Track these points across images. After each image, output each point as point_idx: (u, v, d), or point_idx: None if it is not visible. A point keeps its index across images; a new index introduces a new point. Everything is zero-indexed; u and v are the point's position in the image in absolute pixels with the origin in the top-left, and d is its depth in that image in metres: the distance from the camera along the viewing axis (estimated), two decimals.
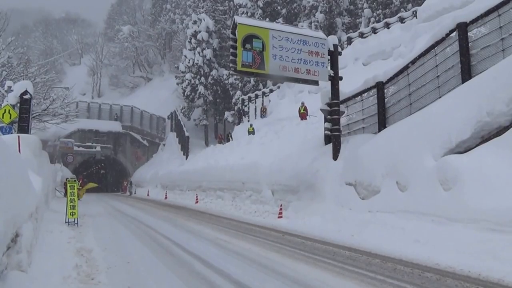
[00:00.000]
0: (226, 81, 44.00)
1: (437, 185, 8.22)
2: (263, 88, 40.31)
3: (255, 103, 37.93)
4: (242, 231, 11.31)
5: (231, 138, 32.03)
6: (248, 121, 36.80)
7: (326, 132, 13.85)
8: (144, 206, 22.25)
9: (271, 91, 36.90)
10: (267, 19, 38.34)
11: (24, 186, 5.95)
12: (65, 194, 30.67)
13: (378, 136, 11.60)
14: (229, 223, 13.44)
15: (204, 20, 46.02)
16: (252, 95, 38.86)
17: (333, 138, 13.25)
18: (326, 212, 11.47)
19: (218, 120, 48.16)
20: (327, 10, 38.23)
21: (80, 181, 24.01)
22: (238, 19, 12.40)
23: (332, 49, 13.46)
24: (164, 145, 49.81)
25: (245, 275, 6.21)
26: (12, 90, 16.27)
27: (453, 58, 10.07)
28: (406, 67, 11.81)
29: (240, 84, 42.08)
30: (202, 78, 45.43)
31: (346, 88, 14.27)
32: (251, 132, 30.13)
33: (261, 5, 40.96)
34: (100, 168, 50.35)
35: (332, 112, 13.42)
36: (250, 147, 23.06)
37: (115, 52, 77.37)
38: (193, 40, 46.00)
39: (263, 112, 34.97)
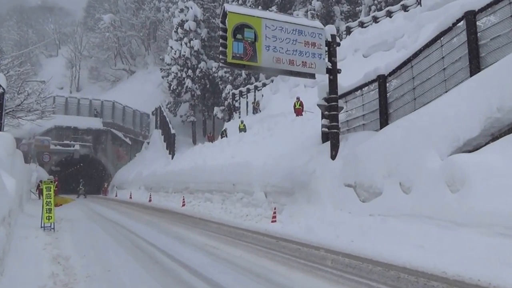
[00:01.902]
0: (216, 74, 43.91)
1: (443, 186, 8.21)
2: (255, 81, 40.26)
3: (247, 98, 37.90)
4: (233, 236, 11.25)
5: (226, 135, 31.94)
6: (239, 117, 36.75)
7: (324, 129, 13.81)
8: (127, 210, 22.12)
9: (264, 85, 36.88)
10: (260, 7, 38.30)
11: None
12: (40, 197, 30.60)
13: (379, 133, 11.58)
14: (219, 227, 13.38)
15: (191, 8, 45.86)
16: (244, 89, 38.82)
17: (331, 136, 13.22)
18: (323, 215, 11.44)
19: (207, 116, 48.09)
20: None
21: (56, 183, 23.78)
22: (229, 7, 12.34)
23: (329, 39, 13.42)
24: (148, 143, 49.65)
25: (236, 285, 6.15)
26: None
27: (461, 49, 10.06)
28: (409, 59, 11.80)
29: (230, 78, 42.01)
30: (190, 71, 45.30)
31: (345, 81, 14.25)
32: (242, 129, 30.06)
33: None
34: (79, 168, 50.06)
35: (330, 107, 13.39)
36: (241, 145, 23.01)
37: (95, 43, 76.98)
38: (179, 30, 45.83)
39: (256, 108, 34.95)
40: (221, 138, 32.22)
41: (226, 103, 41.66)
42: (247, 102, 37.54)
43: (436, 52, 10.88)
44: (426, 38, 11.29)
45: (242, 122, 31.24)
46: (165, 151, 42.41)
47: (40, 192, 30.79)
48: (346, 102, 14.32)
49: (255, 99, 36.17)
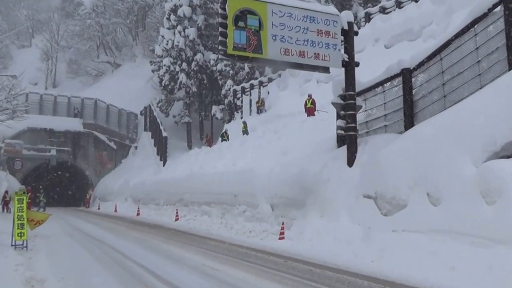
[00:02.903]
0: (214, 68, 44.01)
1: (478, 197, 8.22)
2: (260, 76, 40.32)
3: (250, 95, 37.96)
4: (234, 256, 11.28)
5: (227, 138, 32.03)
6: (242, 117, 36.82)
7: (339, 131, 13.85)
8: (112, 225, 22.18)
9: (270, 80, 36.93)
10: None
11: None
12: (4, 209, 30.36)
13: (404, 136, 11.61)
14: (218, 246, 13.40)
15: None
16: (247, 85, 38.89)
17: (348, 139, 13.26)
18: (339, 231, 11.47)
19: (204, 116, 48.16)
20: None
21: (29, 194, 23.83)
22: None
23: (346, 27, 13.47)
24: (136, 147, 49.71)
25: None
26: None
27: (498, 38, 10.08)
28: (438, 50, 11.81)
29: (231, 72, 42.11)
30: (184, 64, 45.43)
31: (364, 76, 14.26)
32: (244, 131, 30.10)
33: None
34: (56, 176, 50.19)
35: (347, 106, 13.42)
36: (243, 150, 23.05)
37: (74, 32, 77.23)
38: (172, 17, 46.01)
39: (260, 107, 35.00)
40: (221, 141, 32.27)
41: (226, 101, 41.73)
42: (250, 100, 37.60)
43: (469, 42, 10.90)
44: (458, 26, 11.32)
45: (244, 123, 31.29)
46: (155, 156, 42.41)
47: (5, 204, 30.87)
48: (365, 100, 14.36)
49: (259, 97, 36.24)
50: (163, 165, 37.49)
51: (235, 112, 39.72)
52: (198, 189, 22.28)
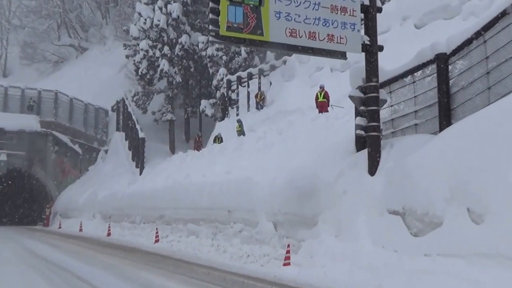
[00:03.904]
0: (203, 53, 44.02)
1: None
2: (261, 63, 40.35)
3: (248, 87, 37.99)
4: (228, 286, 11.26)
5: (220, 140, 32.03)
6: (237, 114, 36.86)
7: (358, 131, 13.85)
8: (76, 248, 22.16)
9: (273, 68, 36.99)
10: None
11: None
12: None
13: (439, 137, 11.61)
14: (208, 274, 13.38)
15: None
16: (244, 74, 38.92)
17: (370, 141, 13.26)
18: (358, 255, 11.46)
19: (191, 113, 48.20)
20: None
21: None
22: None
23: (367, 2, 13.49)
24: (106, 151, 49.71)
25: None
26: None
27: None
28: (482, 31, 11.82)
29: (224, 58, 42.12)
30: (166, 48, 45.46)
31: (389, 63, 14.27)
32: (239, 132, 30.14)
33: None
34: (6, 187, 50.08)
35: (368, 100, 13.43)
36: (240, 155, 23.07)
37: (29, 8, 77.29)
38: None
39: (260, 101, 35.03)
40: (214, 143, 32.28)
41: (218, 94, 41.74)
42: (248, 93, 37.63)
43: None
44: (505, 1, 11.32)
45: (238, 122, 31.30)
46: (130, 163, 42.40)
47: None
48: (390, 92, 14.37)
49: (259, 88, 36.25)
50: (140, 174, 37.48)
51: (229, 108, 39.75)
52: (183, 204, 22.28)
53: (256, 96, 35.75)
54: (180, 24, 45.91)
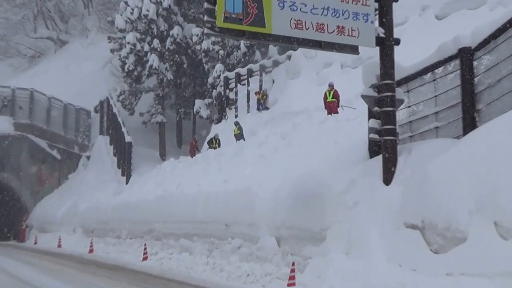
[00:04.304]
0: (197, 47, 44.09)
1: None
2: (262, 59, 40.41)
3: (248, 85, 38.01)
4: None
5: (217, 144, 32.06)
6: (236, 116, 36.89)
7: (372, 135, 13.90)
8: (54, 266, 22.15)
9: (276, 64, 37.04)
10: None
11: None
12: None
13: (462, 142, 11.63)
14: None
15: None
16: (243, 71, 38.95)
17: (385, 147, 13.30)
18: (372, 275, 11.50)
19: (184, 114, 48.24)
20: None
21: None
22: None
23: None
24: (88, 158, 49.70)
25: None
26: None
27: None
28: (511, 23, 11.88)
29: (221, 53, 42.19)
30: (156, 42, 45.51)
31: (406, 59, 14.33)
32: (238, 135, 30.13)
33: None
34: None
35: (383, 101, 13.48)
36: (239, 162, 23.07)
37: None
38: None
39: (262, 101, 35.06)
40: (208, 149, 32.29)
41: (214, 93, 41.77)
42: (248, 92, 37.66)
43: None
44: None
45: (236, 124, 31.29)
46: (115, 171, 42.37)
47: None
48: (408, 92, 14.42)
49: (261, 87, 36.28)
50: (126, 183, 37.47)
51: (227, 109, 39.78)
52: (175, 216, 22.31)
53: (257, 94, 35.72)
54: (172, 15, 46.01)
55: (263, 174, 19.30)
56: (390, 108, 13.45)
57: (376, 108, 13.67)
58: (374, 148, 14.25)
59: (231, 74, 39.90)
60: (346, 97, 24.40)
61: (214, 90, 41.82)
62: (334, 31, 12.88)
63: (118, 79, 51.31)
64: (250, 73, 38.18)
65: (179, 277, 17.24)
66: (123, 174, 40.14)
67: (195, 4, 45.81)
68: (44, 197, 47.51)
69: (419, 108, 14.28)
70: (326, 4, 12.84)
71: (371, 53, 14.33)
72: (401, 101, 13.89)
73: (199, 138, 43.15)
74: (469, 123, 12.45)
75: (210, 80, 42.38)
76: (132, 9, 45.92)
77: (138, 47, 45.78)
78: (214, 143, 32.78)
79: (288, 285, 13.50)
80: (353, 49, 13.45)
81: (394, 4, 13.75)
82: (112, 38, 49.96)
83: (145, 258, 22.35)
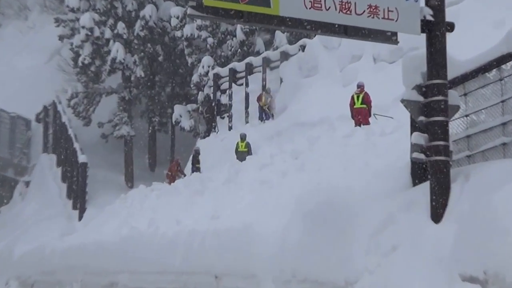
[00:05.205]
0: (178, 34, 44.20)
1: None
2: (266, 50, 40.50)
3: (247, 85, 38.07)
4: None
5: (196, 162, 32.12)
6: (230, 126, 36.89)
7: (416, 154, 13.84)
8: None
9: (285, 57, 37.05)
10: None
11: None
12: None
13: None
14: None
15: None
16: (240, 65, 39.04)
17: (433, 170, 13.24)
18: None
19: (158, 125, 48.28)
20: None
21: None
22: None
23: None
24: (27, 184, 49.68)
25: None
26: None
27: None
28: None
29: (211, 41, 42.28)
30: (120, 25, 45.63)
31: (462, 51, 14.33)
32: (243, 153, 30.04)
33: None
34: None
35: (431, 107, 13.46)
36: (234, 190, 23.09)
37: None
38: None
39: (265, 107, 35.09)
40: (192, 173, 32.31)
41: (201, 96, 41.82)
42: (247, 95, 37.70)
43: None
44: None
45: (243, 138, 31.26)
46: (64, 202, 42.43)
47: None
48: (465, 95, 14.40)
49: (264, 88, 36.26)
50: (80, 219, 37.55)
51: (217, 118, 39.78)
52: (146, 265, 22.31)
53: (259, 99, 35.76)
54: None
55: (266, 206, 19.31)
56: (441, 118, 13.39)
57: (421, 118, 13.62)
58: (418, 172, 14.22)
59: (224, 71, 39.98)
60: (380, 102, 24.41)
61: (200, 92, 41.91)
62: (364, 12, 12.85)
63: (69, 76, 51.46)
64: (250, 69, 38.27)
65: None
66: (75, 207, 40.20)
67: None
68: None
69: (481, 117, 14.25)
70: None
71: (415, 43, 14.29)
72: (456, 108, 13.84)
73: (179, 155, 43.13)
74: None
75: (195, 78, 42.50)
76: None
77: (97, 33, 45.92)
78: (195, 161, 32.87)
79: None
80: (390, 37, 13.44)
81: None
82: (60, 20, 50.08)
83: None
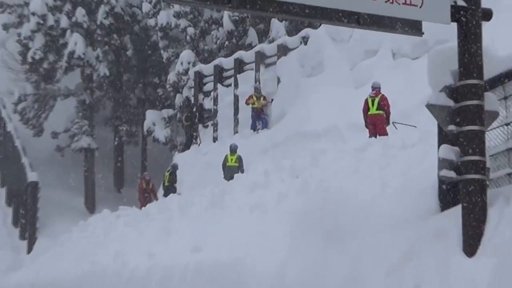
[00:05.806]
0: (150, 22, 44.32)
1: None
2: (260, 42, 40.60)
3: (236, 86, 38.14)
4: None
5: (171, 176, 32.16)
6: (216, 138, 36.94)
7: (445, 172, 13.81)
8: None
9: (284, 51, 37.15)
10: None
11: None
12: None
13: None
14: None
15: None
16: (227, 62, 39.13)
17: (466, 191, 13.20)
18: None
19: (127, 135, 48.34)
20: None
21: None
22: None
23: None
24: None
25: None
26: None
27: None
28: None
29: (191, 31, 42.39)
30: (80, 12, 45.71)
31: (502, 45, 14.31)
32: (233, 169, 30.10)
33: None
34: None
35: (463, 114, 13.43)
36: (220, 217, 23.08)
37: None
38: None
39: (258, 111, 35.12)
40: (166, 195, 32.33)
41: (179, 99, 41.90)
42: (236, 98, 37.75)
43: None
44: None
45: (233, 151, 31.34)
46: (9, 230, 42.46)
47: None
48: (505, 99, 14.37)
49: (256, 89, 36.29)
50: (29, 251, 37.58)
51: (199, 126, 39.83)
52: None
53: (249, 100, 35.76)
54: None
55: (260, 237, 19.29)
56: (476, 127, 13.35)
57: (451, 127, 13.58)
58: (447, 194, 14.19)
59: (207, 68, 40.11)
60: (400, 108, 24.44)
61: (178, 95, 41.97)
62: None
63: (16, 75, 51.39)
64: (240, 67, 38.30)
65: None
66: (23, 237, 40.19)
67: None
68: None
69: None
70: None
71: (443, 34, 14.26)
72: (495, 115, 13.79)
73: (154, 176, 43.06)
74: None
75: (172, 77, 42.61)
76: None
77: (51, 21, 45.99)
78: (167, 181, 32.95)
79: None
80: (413, 27, 13.42)
81: None
82: (5, 5, 50.10)
83: None
